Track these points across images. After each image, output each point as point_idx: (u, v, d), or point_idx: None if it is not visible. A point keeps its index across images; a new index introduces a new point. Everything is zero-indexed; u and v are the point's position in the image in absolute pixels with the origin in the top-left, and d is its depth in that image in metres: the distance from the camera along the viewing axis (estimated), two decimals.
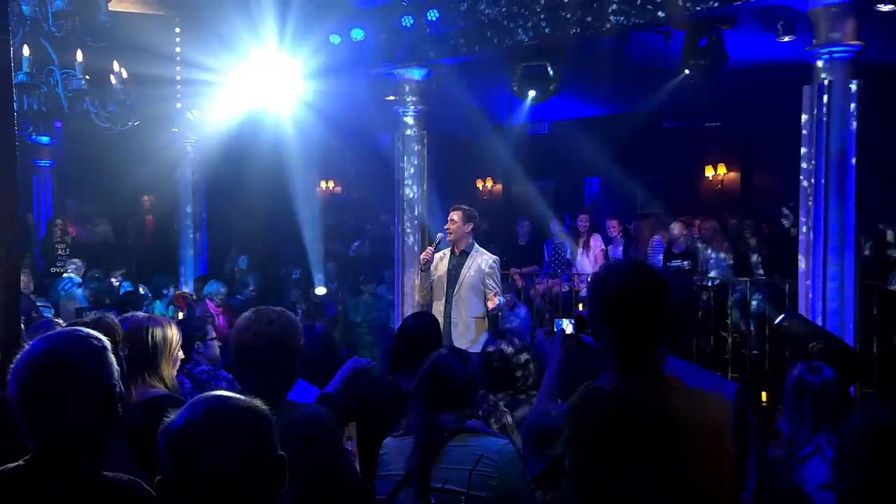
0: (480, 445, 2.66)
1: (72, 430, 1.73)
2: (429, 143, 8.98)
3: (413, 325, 4.04)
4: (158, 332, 3.10)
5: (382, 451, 2.78)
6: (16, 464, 1.75)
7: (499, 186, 15.49)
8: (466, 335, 6.45)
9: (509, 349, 3.51)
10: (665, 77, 9.21)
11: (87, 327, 2.95)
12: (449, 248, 6.68)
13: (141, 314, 3.72)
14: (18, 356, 1.79)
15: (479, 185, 15.61)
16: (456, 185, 13.64)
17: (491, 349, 3.55)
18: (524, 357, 3.52)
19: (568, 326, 2.65)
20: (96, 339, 1.86)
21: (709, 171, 13.24)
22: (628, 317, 2.17)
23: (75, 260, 10.00)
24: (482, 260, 6.59)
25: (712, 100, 9.96)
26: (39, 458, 1.74)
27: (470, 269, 6.53)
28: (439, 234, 6.67)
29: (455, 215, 6.60)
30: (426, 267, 6.54)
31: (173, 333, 3.17)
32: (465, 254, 6.58)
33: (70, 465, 1.73)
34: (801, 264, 6.33)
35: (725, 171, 13.16)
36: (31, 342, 1.83)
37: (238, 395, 1.65)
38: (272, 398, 2.60)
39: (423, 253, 6.68)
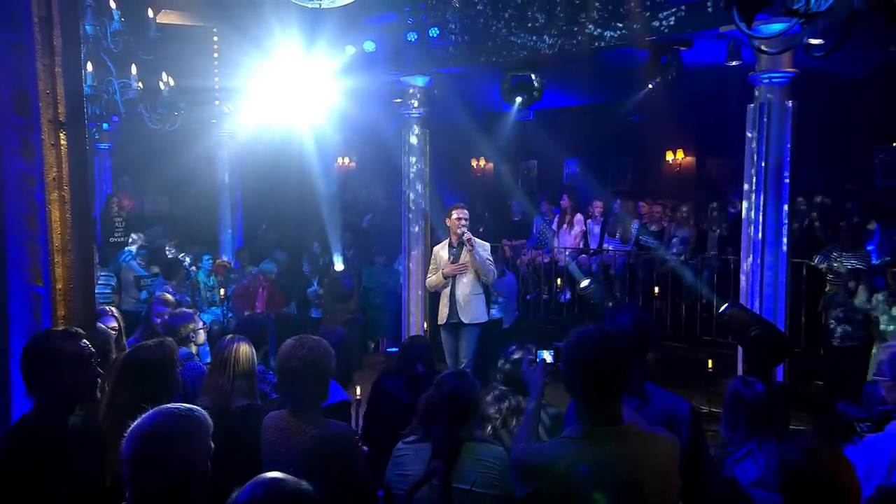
0: (484, 452, 2.78)
1: (158, 490, 1.85)
2: (430, 130, 8.97)
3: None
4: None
5: (397, 453, 2.89)
6: None
7: (490, 165, 15.44)
8: (468, 310, 6.60)
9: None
10: (633, 77, 9.18)
11: (150, 349, 3.10)
12: (447, 240, 6.74)
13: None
14: (138, 421, 1.90)
15: (473, 163, 15.59)
16: (453, 163, 13.65)
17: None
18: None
19: (548, 356, 2.77)
20: (201, 422, 1.94)
21: (669, 156, 13.27)
22: (597, 380, 2.24)
23: (133, 235, 10.05)
24: (478, 245, 6.66)
25: (672, 94, 9.97)
26: None
27: (469, 255, 6.63)
28: (465, 237, 6.51)
29: (463, 213, 6.58)
30: (450, 276, 6.58)
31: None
32: (461, 243, 6.65)
33: None
34: (743, 256, 6.50)
35: (683, 155, 13.18)
36: (153, 411, 1.92)
37: (291, 478, 1.79)
38: (306, 412, 2.85)
39: (451, 267, 6.59)
